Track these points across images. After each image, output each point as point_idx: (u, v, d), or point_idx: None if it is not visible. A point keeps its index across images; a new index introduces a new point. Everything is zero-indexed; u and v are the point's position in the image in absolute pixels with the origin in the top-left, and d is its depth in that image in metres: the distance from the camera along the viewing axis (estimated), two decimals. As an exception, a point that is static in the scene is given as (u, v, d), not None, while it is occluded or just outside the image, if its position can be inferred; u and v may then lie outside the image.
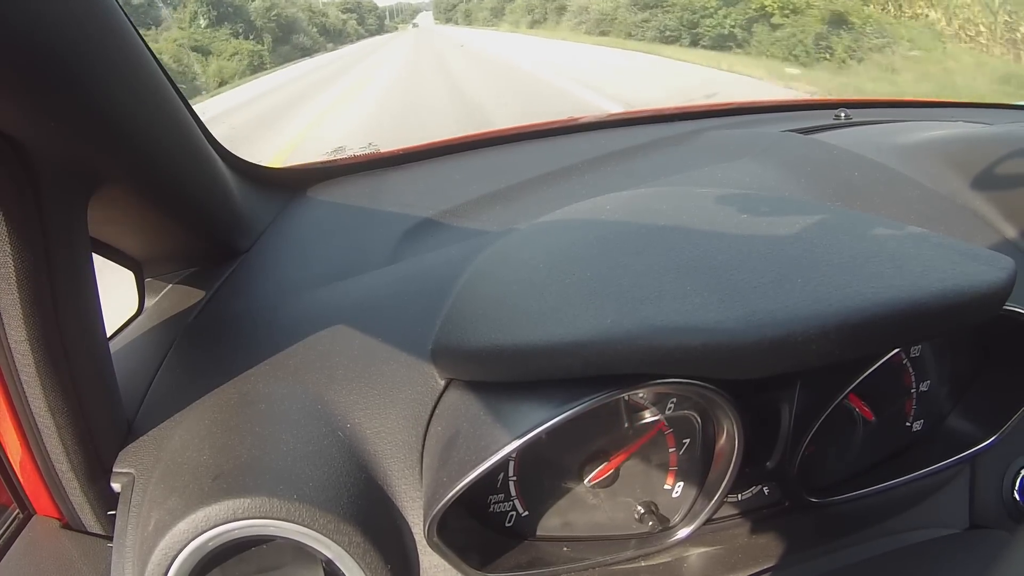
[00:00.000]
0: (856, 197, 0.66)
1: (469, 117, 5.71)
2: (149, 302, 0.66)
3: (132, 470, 0.47)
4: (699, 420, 0.49)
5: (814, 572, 0.50)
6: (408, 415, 0.48)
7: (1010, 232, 0.64)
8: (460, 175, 0.86)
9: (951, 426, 0.57)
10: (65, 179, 0.42)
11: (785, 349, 0.37)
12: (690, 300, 0.40)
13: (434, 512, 0.42)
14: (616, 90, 6.27)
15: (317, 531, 0.41)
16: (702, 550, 0.51)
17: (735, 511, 0.52)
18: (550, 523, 0.50)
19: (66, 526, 0.49)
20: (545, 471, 0.48)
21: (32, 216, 0.39)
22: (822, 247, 0.44)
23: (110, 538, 0.47)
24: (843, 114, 0.99)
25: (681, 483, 0.50)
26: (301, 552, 0.43)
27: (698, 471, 0.50)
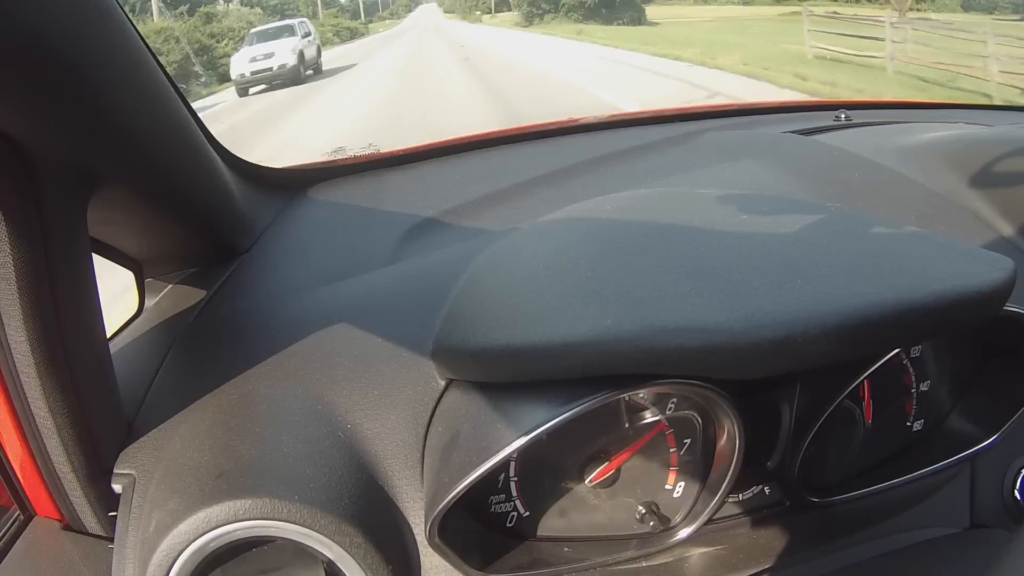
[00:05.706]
0: (856, 198, 0.66)
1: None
2: (149, 302, 0.66)
3: (133, 471, 0.47)
4: (700, 420, 0.49)
5: (815, 572, 0.50)
6: (409, 416, 0.48)
7: (1010, 232, 0.64)
8: (460, 175, 0.86)
9: (951, 426, 0.57)
10: (65, 179, 0.41)
11: (785, 349, 0.37)
12: (690, 300, 0.40)
13: (435, 513, 0.42)
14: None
15: (318, 532, 0.41)
16: (703, 550, 0.51)
17: (736, 511, 0.52)
18: (551, 523, 0.50)
19: (67, 527, 0.49)
20: (546, 471, 0.48)
21: (32, 216, 0.39)
22: (822, 248, 0.45)
23: (111, 539, 0.47)
24: (843, 115, 0.98)
25: (682, 483, 0.50)
26: (302, 553, 0.43)
27: (699, 471, 0.50)
